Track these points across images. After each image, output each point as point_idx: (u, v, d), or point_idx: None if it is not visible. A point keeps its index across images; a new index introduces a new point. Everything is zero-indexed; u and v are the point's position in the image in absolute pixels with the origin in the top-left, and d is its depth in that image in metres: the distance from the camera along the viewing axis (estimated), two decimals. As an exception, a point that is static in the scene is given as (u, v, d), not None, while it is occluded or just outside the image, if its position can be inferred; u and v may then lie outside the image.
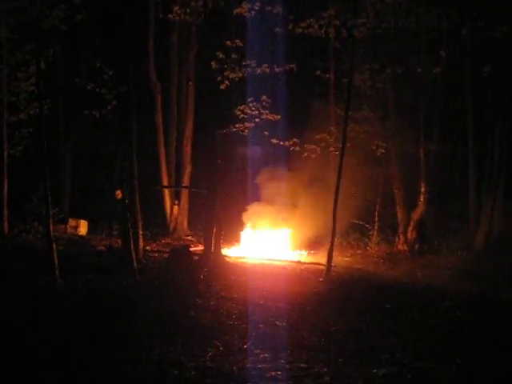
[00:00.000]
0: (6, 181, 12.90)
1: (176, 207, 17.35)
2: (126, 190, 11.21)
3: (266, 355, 6.37)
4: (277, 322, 7.79)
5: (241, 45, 14.36)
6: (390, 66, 14.97)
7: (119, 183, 11.62)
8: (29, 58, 13.22)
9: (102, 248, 13.14)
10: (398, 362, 6.27)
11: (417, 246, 15.36)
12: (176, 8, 14.26)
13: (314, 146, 16.30)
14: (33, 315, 7.62)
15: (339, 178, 11.70)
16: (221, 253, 12.12)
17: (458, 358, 6.42)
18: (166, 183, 17.29)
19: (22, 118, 13.82)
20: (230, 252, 14.02)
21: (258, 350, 6.53)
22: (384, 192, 16.57)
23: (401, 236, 15.52)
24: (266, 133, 16.28)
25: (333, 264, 11.69)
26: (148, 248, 13.54)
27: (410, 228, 15.49)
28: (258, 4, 13.19)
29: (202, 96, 18.21)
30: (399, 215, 15.66)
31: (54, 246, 9.40)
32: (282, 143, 16.39)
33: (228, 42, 14.19)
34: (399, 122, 15.29)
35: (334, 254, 11.72)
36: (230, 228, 14.71)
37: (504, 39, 13.55)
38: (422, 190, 15.41)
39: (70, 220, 15.71)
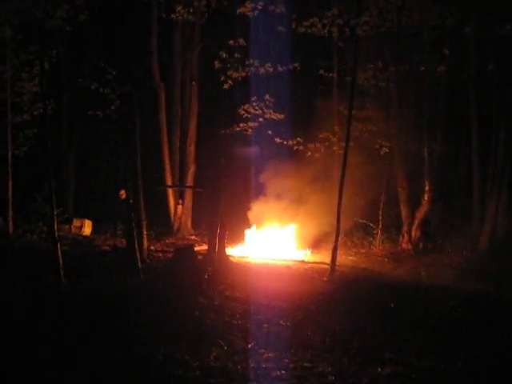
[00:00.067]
0: (10, 181, 12.97)
1: (180, 207, 17.36)
2: (130, 189, 11.22)
3: (270, 355, 6.37)
4: (281, 322, 7.78)
5: (244, 44, 14.40)
6: (393, 65, 14.96)
7: (123, 183, 11.63)
8: (32, 58, 13.28)
9: (107, 248, 13.17)
10: (402, 361, 6.27)
11: (421, 244, 15.36)
12: (179, 8, 14.30)
13: (317, 145, 16.30)
14: (37, 315, 7.63)
15: (343, 176, 11.68)
16: (225, 252, 12.11)
17: (462, 357, 6.42)
18: (169, 183, 17.29)
19: (26, 119, 13.88)
20: (234, 251, 14.02)
21: (262, 350, 6.52)
22: (388, 191, 16.56)
23: (405, 235, 15.50)
24: (270, 132, 16.29)
25: (337, 263, 11.68)
26: (152, 248, 13.55)
27: (415, 227, 15.49)
28: (261, 3, 13.22)
29: (206, 95, 18.21)
30: (403, 214, 15.64)
31: (59, 246, 9.41)
32: (285, 142, 16.40)
33: (231, 42, 14.23)
34: (403, 121, 15.27)
35: (338, 253, 11.70)
36: (234, 227, 14.70)
37: (508, 37, 13.52)
38: (427, 188, 15.40)
39: (75, 220, 15.73)
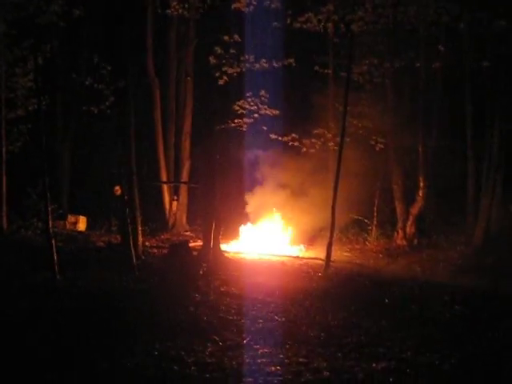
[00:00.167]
0: (4, 177, 12.91)
1: (175, 203, 17.33)
2: (124, 185, 11.20)
3: (265, 350, 6.38)
4: (276, 317, 7.80)
5: (239, 40, 14.35)
6: (388, 61, 14.95)
7: (118, 179, 11.61)
8: (26, 53, 13.20)
9: (102, 244, 13.15)
10: (397, 356, 6.28)
11: (416, 240, 15.41)
12: (174, 3, 14.20)
13: (313, 141, 16.29)
14: (32, 311, 7.61)
15: (338, 172, 11.70)
16: (220, 248, 12.12)
17: (457, 353, 6.43)
18: (164, 179, 17.27)
19: (20, 115, 13.81)
20: (229, 247, 14.03)
21: (258, 345, 6.53)
22: (383, 187, 16.59)
23: (400, 231, 15.55)
24: (265, 128, 16.27)
25: (332, 259, 11.70)
26: (147, 244, 13.54)
27: (409, 223, 15.53)
28: (255, -2, 13.15)
29: (201, 91, 18.16)
30: (398, 210, 15.69)
31: (53, 241, 9.40)
32: (280, 138, 16.38)
33: (226, 37, 14.17)
34: (398, 117, 15.28)
35: (333, 248, 11.73)
36: (229, 223, 14.70)
37: (503, 33, 13.52)
38: (421, 184, 15.43)
39: (69, 216, 15.69)
